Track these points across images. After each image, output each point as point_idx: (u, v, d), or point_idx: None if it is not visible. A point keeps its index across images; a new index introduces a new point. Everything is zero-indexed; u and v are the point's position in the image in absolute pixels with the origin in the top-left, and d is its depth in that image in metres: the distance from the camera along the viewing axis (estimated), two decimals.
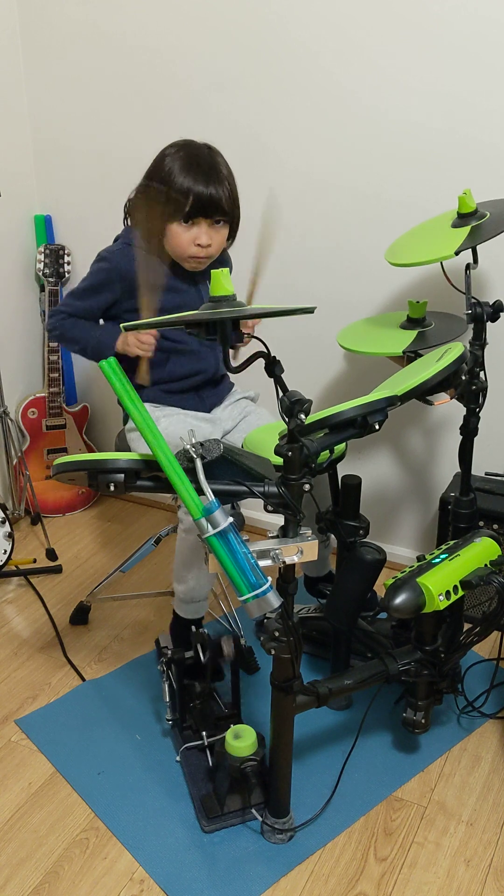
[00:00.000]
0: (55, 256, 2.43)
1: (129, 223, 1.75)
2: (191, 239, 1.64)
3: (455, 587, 1.45)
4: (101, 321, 1.77)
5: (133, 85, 2.19)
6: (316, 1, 1.88)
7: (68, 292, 1.78)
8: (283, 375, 1.20)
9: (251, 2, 1.96)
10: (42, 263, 2.42)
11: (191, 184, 1.59)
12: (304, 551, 1.23)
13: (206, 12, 2.02)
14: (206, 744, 1.61)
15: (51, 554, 2.37)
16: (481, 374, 1.62)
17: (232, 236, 1.74)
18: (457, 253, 1.55)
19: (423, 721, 1.58)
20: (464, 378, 1.56)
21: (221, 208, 1.62)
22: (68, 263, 2.46)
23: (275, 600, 1.16)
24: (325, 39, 1.90)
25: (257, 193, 2.02)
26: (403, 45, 1.83)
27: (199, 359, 1.78)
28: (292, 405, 1.15)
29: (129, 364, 1.73)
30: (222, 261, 1.86)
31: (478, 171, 1.85)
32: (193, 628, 1.65)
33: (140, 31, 2.12)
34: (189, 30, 2.05)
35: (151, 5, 2.08)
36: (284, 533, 1.24)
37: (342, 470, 1.71)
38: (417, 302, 1.78)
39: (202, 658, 1.60)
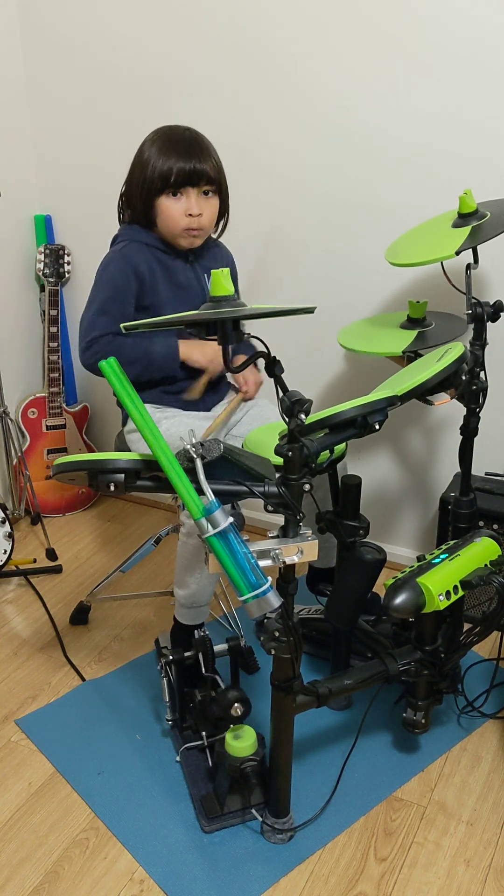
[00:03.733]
0: (55, 256, 2.43)
1: (125, 218, 1.76)
2: (182, 211, 1.65)
3: (455, 587, 1.45)
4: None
5: (132, 87, 2.19)
6: (308, 22, 1.88)
7: (91, 315, 1.65)
8: (283, 375, 1.20)
9: (246, 22, 1.97)
10: (42, 263, 2.42)
11: (172, 163, 1.61)
12: (304, 551, 1.23)
13: (204, 30, 2.03)
14: (205, 744, 1.61)
15: (51, 554, 2.37)
16: (481, 374, 1.62)
17: (220, 216, 1.75)
18: (457, 253, 1.55)
19: (423, 721, 1.58)
20: (464, 378, 1.55)
21: (208, 176, 1.63)
22: (68, 263, 2.46)
23: (275, 600, 1.16)
24: (320, 51, 1.90)
25: (255, 204, 2.03)
26: (403, 46, 1.83)
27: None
28: (292, 405, 1.15)
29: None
30: (224, 257, 1.86)
31: (478, 171, 1.85)
32: (196, 633, 1.64)
33: (138, 40, 2.12)
34: (185, 46, 2.06)
35: (149, 17, 2.08)
36: (284, 533, 1.24)
37: (342, 470, 1.72)
38: (417, 302, 1.78)
39: (203, 669, 1.60)
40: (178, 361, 1.70)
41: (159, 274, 1.70)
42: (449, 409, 2.09)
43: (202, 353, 1.71)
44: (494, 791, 1.58)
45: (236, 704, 1.45)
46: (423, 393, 1.41)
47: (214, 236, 1.83)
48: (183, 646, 1.71)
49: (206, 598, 1.74)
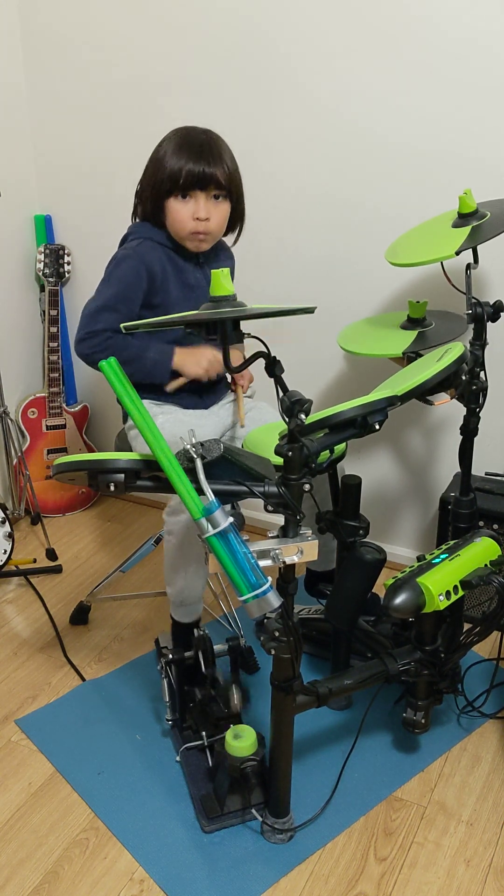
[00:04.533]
0: (55, 256, 2.43)
1: (138, 217, 1.75)
2: (189, 213, 1.63)
3: (455, 587, 1.45)
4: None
5: (132, 88, 2.19)
6: (307, 25, 1.88)
7: (95, 307, 1.64)
8: (283, 375, 1.20)
9: (245, 25, 1.97)
10: (42, 263, 2.42)
11: (183, 163, 1.60)
12: (304, 551, 1.23)
13: (203, 33, 2.03)
14: (206, 744, 1.61)
15: (51, 554, 2.37)
16: (481, 374, 1.62)
17: (235, 222, 1.74)
18: (457, 253, 1.55)
19: (423, 721, 1.58)
20: (464, 378, 1.56)
21: (217, 180, 1.62)
22: (68, 263, 2.46)
23: (275, 600, 1.16)
24: (319, 54, 1.91)
25: (254, 206, 2.03)
26: (401, 48, 1.83)
27: None
28: (292, 405, 1.15)
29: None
30: (226, 255, 1.86)
31: (477, 171, 1.85)
32: (195, 632, 1.64)
33: (138, 41, 2.12)
34: (184, 48, 2.06)
35: (148, 19, 2.08)
36: (284, 533, 1.24)
37: (341, 470, 1.71)
38: (417, 302, 1.78)
39: (203, 667, 1.60)
40: (170, 371, 1.68)
41: (171, 273, 1.69)
42: (449, 409, 2.09)
43: (196, 363, 1.70)
44: (494, 791, 1.58)
45: (235, 696, 1.45)
46: (423, 393, 1.41)
47: (229, 243, 1.82)
48: (183, 644, 1.71)
49: (196, 596, 1.74)
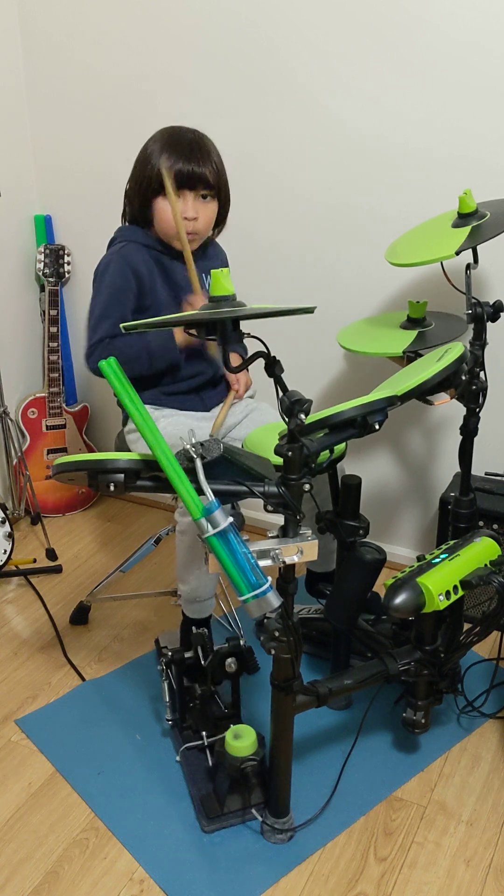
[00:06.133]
0: (55, 256, 2.43)
1: (127, 219, 1.75)
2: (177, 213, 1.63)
3: (455, 587, 1.45)
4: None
5: (131, 88, 2.19)
6: (307, 28, 1.88)
7: (94, 321, 1.65)
8: (283, 375, 1.20)
9: (245, 27, 1.97)
10: (42, 263, 2.42)
11: (172, 162, 1.60)
12: (304, 551, 1.23)
13: (202, 35, 2.04)
14: (205, 744, 1.61)
15: (51, 554, 2.37)
16: (481, 374, 1.62)
17: (221, 220, 1.74)
18: (457, 253, 1.55)
19: (423, 721, 1.58)
20: (464, 378, 1.55)
21: (205, 180, 1.62)
22: (68, 263, 2.46)
23: (275, 600, 1.16)
24: (319, 57, 1.91)
25: (255, 206, 2.04)
26: (400, 49, 1.83)
27: (200, 359, 1.77)
28: (292, 405, 1.15)
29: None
30: (220, 256, 1.86)
31: (477, 171, 1.85)
32: (193, 629, 1.65)
33: (137, 42, 2.12)
34: (184, 49, 2.06)
35: (148, 20, 2.08)
36: (284, 533, 1.24)
37: (341, 470, 1.71)
38: (417, 302, 1.78)
39: (202, 661, 1.60)
40: (176, 345, 1.68)
41: (157, 274, 1.70)
42: (449, 409, 2.09)
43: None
44: (494, 791, 1.58)
45: (229, 660, 1.44)
46: (423, 393, 1.41)
47: (210, 236, 1.83)
48: (188, 641, 1.71)
49: (209, 593, 1.75)
